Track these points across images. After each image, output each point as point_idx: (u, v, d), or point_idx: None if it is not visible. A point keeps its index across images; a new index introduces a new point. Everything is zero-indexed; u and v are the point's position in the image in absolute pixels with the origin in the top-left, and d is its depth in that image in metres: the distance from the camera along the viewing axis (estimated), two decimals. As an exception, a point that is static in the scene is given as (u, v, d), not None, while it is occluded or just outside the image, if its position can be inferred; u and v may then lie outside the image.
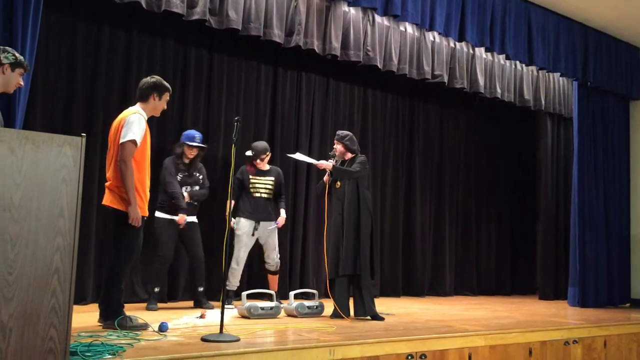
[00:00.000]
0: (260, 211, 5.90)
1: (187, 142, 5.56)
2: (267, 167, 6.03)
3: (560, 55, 7.41)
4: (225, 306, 5.32)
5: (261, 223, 5.88)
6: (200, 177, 5.73)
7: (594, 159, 7.89)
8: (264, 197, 5.93)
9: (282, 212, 6.02)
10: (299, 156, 5.65)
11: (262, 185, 5.94)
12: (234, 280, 5.78)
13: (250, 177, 5.93)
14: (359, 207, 5.19)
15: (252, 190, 5.91)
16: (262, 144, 6.01)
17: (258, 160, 5.91)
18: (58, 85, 5.58)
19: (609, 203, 7.97)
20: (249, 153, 5.95)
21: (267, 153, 5.98)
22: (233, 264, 5.77)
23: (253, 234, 5.85)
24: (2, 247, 2.43)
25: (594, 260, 7.62)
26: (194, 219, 5.65)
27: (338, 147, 5.45)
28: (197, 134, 5.67)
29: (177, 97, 6.25)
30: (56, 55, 5.57)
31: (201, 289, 5.56)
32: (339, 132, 5.59)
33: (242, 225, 5.84)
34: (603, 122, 8.08)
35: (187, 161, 5.64)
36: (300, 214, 7.03)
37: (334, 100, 7.49)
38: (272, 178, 6.01)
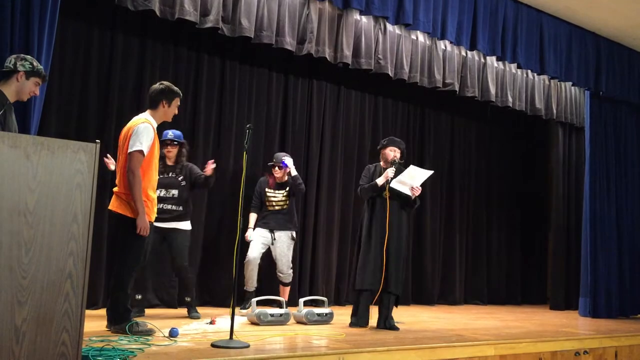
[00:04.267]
0: (273, 220, 5.96)
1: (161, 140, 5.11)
2: (285, 178, 6.06)
3: (572, 65, 7.40)
4: (241, 310, 5.39)
5: (275, 232, 5.92)
6: (180, 177, 5.30)
7: (606, 169, 7.85)
8: (278, 209, 5.98)
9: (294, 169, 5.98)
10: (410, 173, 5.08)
11: (277, 199, 6.00)
12: (250, 281, 5.78)
13: (267, 190, 6.01)
14: (407, 220, 5.22)
15: (267, 204, 6.00)
16: (282, 154, 6.13)
17: (277, 169, 5.97)
18: (72, 92, 5.64)
19: (621, 212, 7.92)
20: (271, 163, 6.05)
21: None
22: (246, 260, 5.78)
23: (268, 243, 5.91)
24: (16, 251, 2.46)
25: (605, 270, 7.56)
26: (176, 225, 5.24)
27: (397, 155, 5.26)
28: (172, 131, 5.37)
29: (189, 104, 6.30)
30: (71, 62, 5.63)
31: (188, 299, 5.31)
32: (396, 139, 5.42)
33: (256, 231, 5.94)
34: (615, 131, 8.05)
35: (168, 162, 5.33)
36: (310, 221, 7.03)
37: (345, 108, 7.51)
38: (286, 190, 6.04)
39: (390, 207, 5.02)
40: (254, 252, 5.83)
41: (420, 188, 5.07)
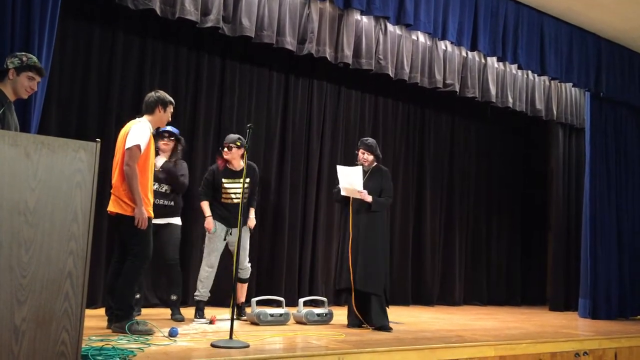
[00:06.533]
0: (234, 216, 5.07)
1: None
2: (240, 164, 5.25)
3: (573, 66, 7.40)
4: (195, 320, 4.99)
5: (233, 230, 5.17)
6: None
7: (606, 170, 7.86)
8: (237, 203, 5.13)
9: (252, 212, 5.37)
10: (345, 172, 5.09)
11: (236, 191, 5.24)
12: (202, 289, 5.15)
13: (223, 181, 5.26)
14: (379, 219, 5.15)
15: (224, 196, 5.27)
16: (234, 135, 5.30)
17: (227, 150, 5.20)
18: (73, 91, 5.65)
19: (621, 214, 7.92)
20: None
21: (239, 144, 5.23)
22: (204, 270, 5.18)
23: (225, 239, 5.25)
24: (16, 250, 2.46)
25: (605, 272, 7.56)
26: (167, 220, 5.07)
27: (369, 158, 5.21)
28: (169, 127, 5.09)
29: (189, 104, 6.31)
30: (71, 61, 5.64)
31: (174, 297, 5.06)
32: (367, 140, 5.30)
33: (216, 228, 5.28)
34: (615, 133, 8.05)
35: (163, 157, 5.13)
36: (310, 220, 7.03)
37: (345, 108, 7.51)
38: (247, 180, 5.17)
39: (352, 208, 5.11)
40: (215, 259, 5.21)
41: (364, 191, 5.02)
